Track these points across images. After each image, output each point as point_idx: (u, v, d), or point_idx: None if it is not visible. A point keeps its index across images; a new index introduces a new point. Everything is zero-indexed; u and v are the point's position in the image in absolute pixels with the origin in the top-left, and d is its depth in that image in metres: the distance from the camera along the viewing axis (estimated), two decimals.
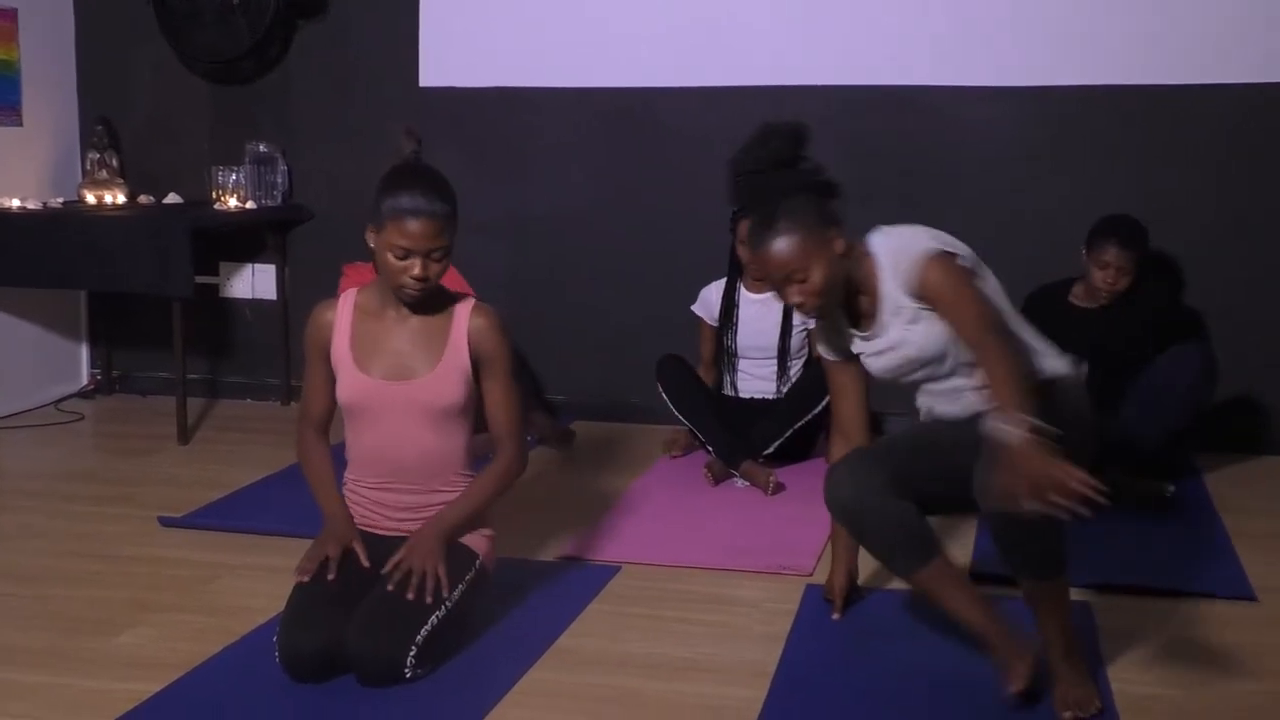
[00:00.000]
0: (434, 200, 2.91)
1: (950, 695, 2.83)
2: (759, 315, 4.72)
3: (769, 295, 4.50)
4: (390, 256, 2.92)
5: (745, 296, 4.76)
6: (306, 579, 2.93)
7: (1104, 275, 4.36)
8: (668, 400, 4.66)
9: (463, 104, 5.42)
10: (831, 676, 2.93)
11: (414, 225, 2.89)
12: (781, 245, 2.83)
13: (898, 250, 2.84)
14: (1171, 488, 4.20)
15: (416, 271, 2.92)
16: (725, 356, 4.80)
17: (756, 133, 3.01)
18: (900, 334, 2.87)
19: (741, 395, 4.77)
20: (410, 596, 2.87)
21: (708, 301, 4.84)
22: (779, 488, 4.33)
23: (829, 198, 2.95)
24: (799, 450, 4.66)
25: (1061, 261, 4.55)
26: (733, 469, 4.47)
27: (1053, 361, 2.89)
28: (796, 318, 4.62)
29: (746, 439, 4.52)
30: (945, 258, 2.79)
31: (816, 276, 2.83)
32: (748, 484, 4.42)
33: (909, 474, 2.84)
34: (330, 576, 2.93)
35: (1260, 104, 4.83)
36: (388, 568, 2.95)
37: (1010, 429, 2.48)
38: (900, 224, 2.95)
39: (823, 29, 5.09)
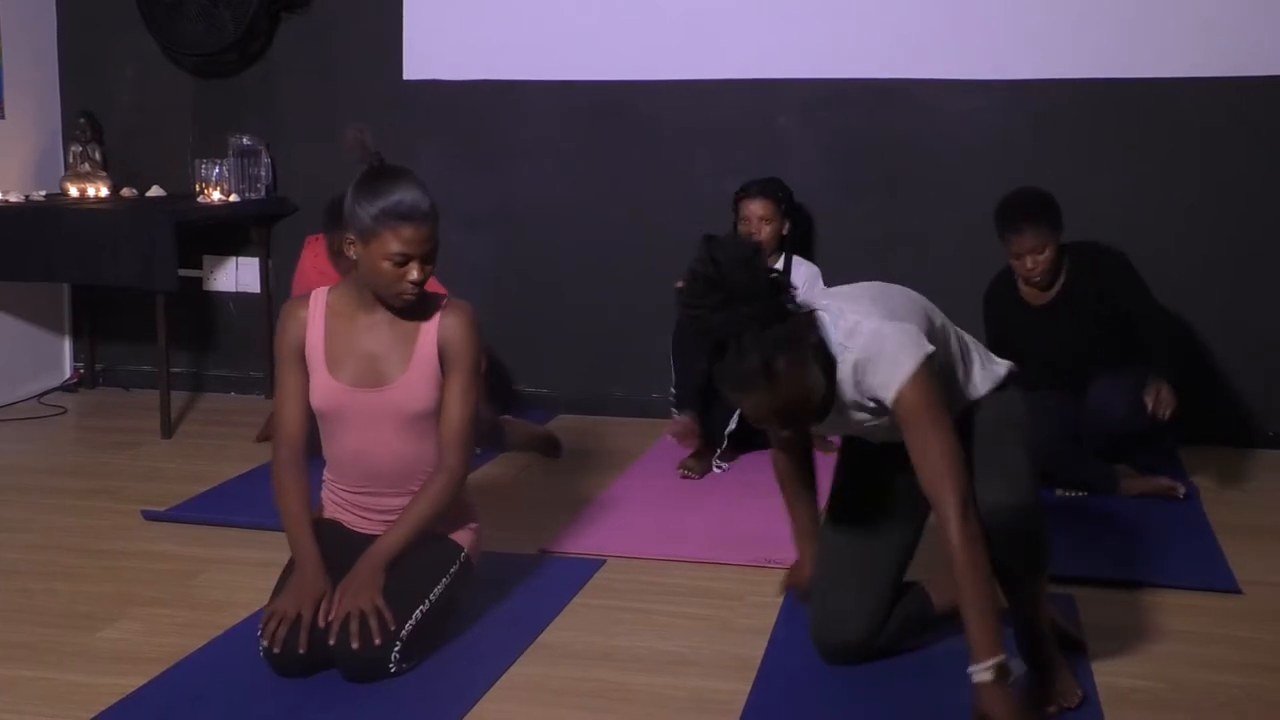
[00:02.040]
0: (423, 200, 2.86)
1: (934, 686, 2.83)
2: None
3: None
4: (387, 265, 2.85)
5: None
6: (278, 649, 2.77)
7: (1021, 265, 4.20)
8: (673, 370, 4.58)
9: (447, 97, 5.41)
10: (816, 669, 2.93)
11: (409, 230, 2.83)
12: (782, 391, 2.46)
13: (865, 360, 2.58)
14: (1183, 488, 4.16)
15: (415, 275, 2.87)
16: None
17: (708, 265, 2.42)
18: (847, 414, 2.70)
19: None
20: (355, 645, 2.75)
21: None
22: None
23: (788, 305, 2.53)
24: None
25: None
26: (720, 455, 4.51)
27: (988, 372, 2.82)
28: None
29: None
30: (921, 383, 2.53)
31: (810, 404, 2.57)
32: (725, 467, 4.51)
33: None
34: (301, 650, 2.76)
35: (1245, 98, 4.84)
36: (330, 618, 2.80)
37: (982, 674, 2.47)
38: (857, 283, 2.78)
39: (806, 22, 5.08)
